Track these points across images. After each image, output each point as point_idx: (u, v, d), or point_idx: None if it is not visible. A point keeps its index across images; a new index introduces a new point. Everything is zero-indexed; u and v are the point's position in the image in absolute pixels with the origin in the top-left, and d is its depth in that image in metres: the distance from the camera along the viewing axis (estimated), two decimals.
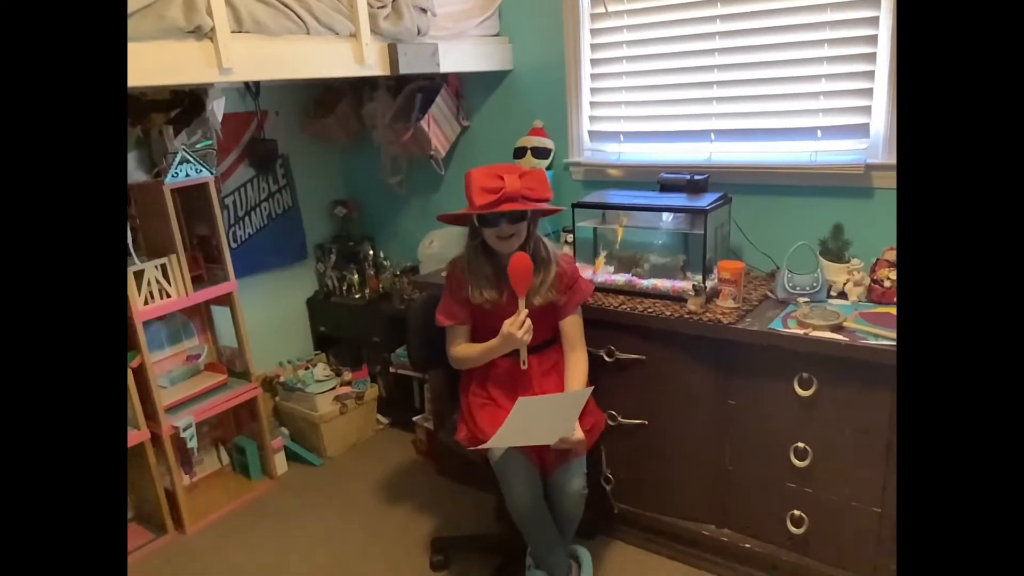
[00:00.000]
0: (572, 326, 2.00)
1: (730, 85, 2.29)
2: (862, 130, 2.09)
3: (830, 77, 2.11)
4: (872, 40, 2.01)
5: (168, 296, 2.41)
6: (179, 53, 1.74)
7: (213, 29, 1.77)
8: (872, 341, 1.71)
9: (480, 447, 1.84)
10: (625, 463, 2.21)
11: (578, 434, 1.85)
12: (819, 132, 2.16)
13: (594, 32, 2.52)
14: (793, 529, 1.95)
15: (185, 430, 2.45)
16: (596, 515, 2.18)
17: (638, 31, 2.42)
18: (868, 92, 2.06)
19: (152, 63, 1.69)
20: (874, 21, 2.00)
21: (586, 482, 1.90)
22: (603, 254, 2.33)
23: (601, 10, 2.45)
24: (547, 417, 1.83)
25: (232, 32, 1.82)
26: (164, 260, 2.38)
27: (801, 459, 1.89)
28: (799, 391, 1.84)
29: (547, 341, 2.02)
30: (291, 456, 2.95)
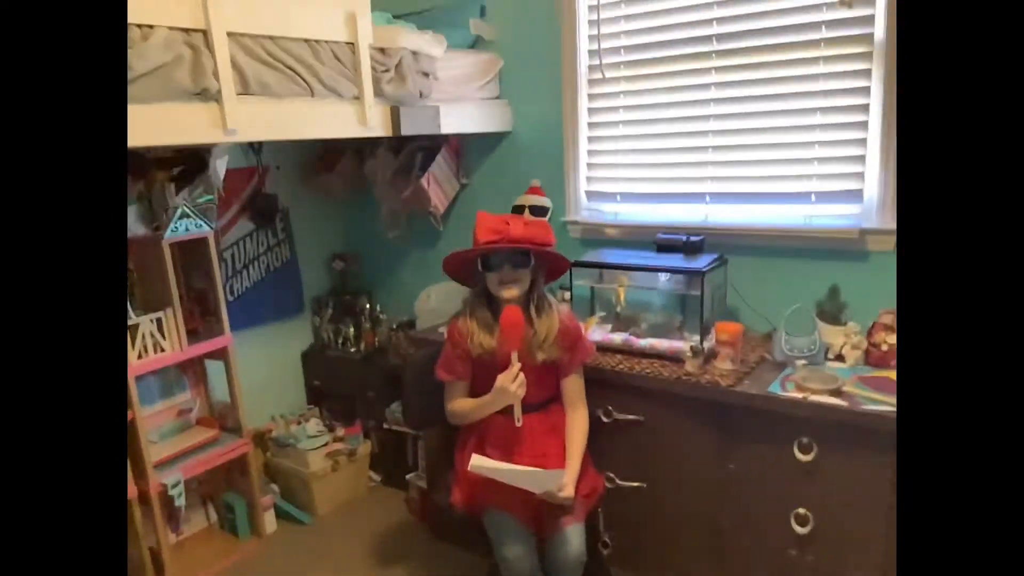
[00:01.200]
0: (573, 385, 2.00)
1: (725, 149, 2.34)
2: (855, 195, 2.12)
3: (823, 143, 2.16)
4: (864, 109, 2.06)
5: (162, 350, 2.40)
6: (185, 114, 1.77)
7: (219, 92, 1.80)
8: (872, 407, 1.70)
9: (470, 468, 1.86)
10: (623, 527, 2.17)
11: (567, 491, 1.83)
12: (813, 196, 2.20)
13: (592, 96, 2.58)
14: None
15: (173, 487, 2.40)
16: None
17: (635, 96, 2.48)
18: (861, 159, 2.10)
19: (158, 124, 1.71)
20: (866, 91, 2.05)
21: (585, 548, 1.85)
22: (598, 314, 2.33)
23: (598, 76, 2.52)
24: (520, 478, 1.84)
25: (238, 95, 1.85)
26: (160, 314, 2.38)
27: (802, 525, 1.85)
28: (799, 456, 1.82)
29: (549, 399, 2.01)
30: (281, 514, 2.88)
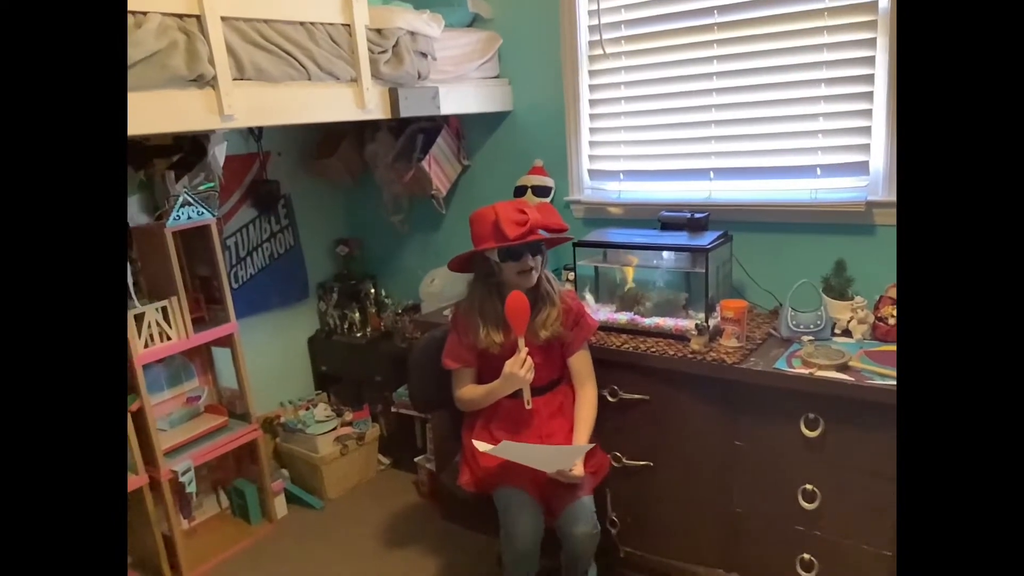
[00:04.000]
0: (581, 362, 2.00)
1: (728, 124, 2.30)
2: (862, 168, 2.09)
3: (828, 115, 2.13)
4: (869, 79, 2.03)
5: (168, 339, 2.40)
6: (181, 101, 1.75)
7: (215, 77, 1.79)
8: (878, 381, 1.69)
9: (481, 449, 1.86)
10: (631, 506, 2.17)
11: (577, 470, 1.84)
12: (819, 170, 2.17)
13: (592, 73, 2.55)
14: (803, 573, 1.90)
15: (184, 474, 2.42)
16: (602, 559, 2.14)
17: (636, 72, 2.45)
18: (866, 130, 2.06)
19: (155, 111, 1.70)
20: (870, 60, 2.02)
21: (597, 523, 1.87)
22: (588, 293, 2.32)
23: (599, 52, 2.48)
24: (543, 456, 1.85)
25: (234, 80, 1.84)
26: (165, 302, 2.38)
27: (810, 501, 1.85)
28: (806, 432, 1.81)
29: (553, 381, 2.01)
30: (291, 499, 2.90)
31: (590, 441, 1.94)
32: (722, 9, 2.22)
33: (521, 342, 1.84)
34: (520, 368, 1.82)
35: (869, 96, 2.04)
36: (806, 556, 1.89)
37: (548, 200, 2.66)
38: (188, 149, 2.45)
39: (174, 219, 2.34)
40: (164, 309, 2.38)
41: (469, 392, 1.99)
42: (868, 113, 2.05)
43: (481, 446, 1.86)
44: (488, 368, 1.97)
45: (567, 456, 1.85)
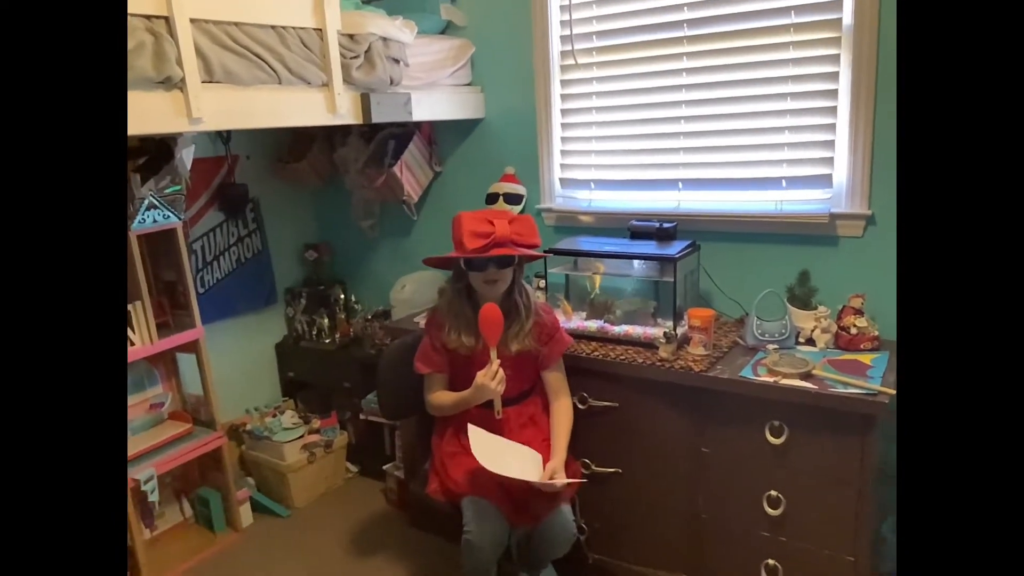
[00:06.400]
0: (555, 377, 2.01)
1: (697, 136, 2.34)
2: (825, 180, 2.14)
3: (793, 129, 2.17)
4: (832, 94, 2.08)
5: (132, 344, 2.36)
6: (148, 103, 1.72)
7: (183, 79, 1.76)
8: (840, 389, 1.73)
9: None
10: (599, 512, 2.18)
11: (559, 478, 1.85)
12: (784, 182, 2.21)
13: (564, 83, 2.57)
14: None
15: (146, 483, 2.37)
16: (570, 566, 2.14)
17: (607, 82, 2.48)
18: (830, 144, 2.11)
19: None
20: (834, 76, 2.07)
21: (575, 530, 1.88)
22: (561, 298, 2.33)
23: (571, 61, 2.50)
24: (515, 457, 1.85)
25: (203, 82, 1.81)
26: (128, 307, 2.33)
27: (774, 507, 1.88)
28: (771, 439, 1.84)
29: (524, 392, 2.01)
30: (257, 507, 2.86)
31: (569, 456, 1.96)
32: (692, 23, 2.26)
33: (493, 353, 1.84)
34: (491, 380, 1.83)
35: (833, 111, 2.09)
36: (771, 562, 1.92)
37: (519, 207, 2.67)
38: (154, 151, 2.41)
39: (139, 222, 2.30)
40: (127, 314, 2.33)
41: (440, 398, 1.99)
42: (832, 127, 2.10)
43: (474, 434, 1.87)
44: (460, 375, 1.97)
45: (533, 465, 1.86)
